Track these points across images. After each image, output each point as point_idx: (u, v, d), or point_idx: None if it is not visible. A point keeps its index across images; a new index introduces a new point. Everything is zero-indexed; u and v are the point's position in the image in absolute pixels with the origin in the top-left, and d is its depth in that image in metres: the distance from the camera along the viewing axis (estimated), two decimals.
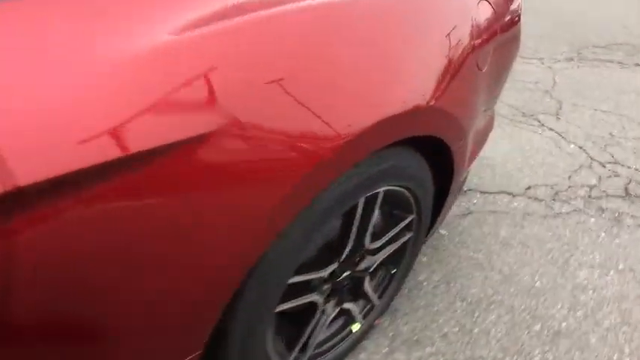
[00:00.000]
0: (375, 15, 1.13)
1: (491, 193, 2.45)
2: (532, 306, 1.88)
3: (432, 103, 1.21)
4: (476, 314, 1.82)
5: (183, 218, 0.82)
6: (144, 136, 0.73)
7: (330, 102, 0.98)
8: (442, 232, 2.16)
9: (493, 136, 1.96)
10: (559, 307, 1.89)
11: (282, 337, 1.35)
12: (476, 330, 1.76)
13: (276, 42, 0.92)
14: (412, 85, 1.19)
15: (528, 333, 1.77)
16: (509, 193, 2.47)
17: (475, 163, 1.84)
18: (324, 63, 0.99)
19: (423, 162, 1.36)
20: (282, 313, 1.34)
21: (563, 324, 1.82)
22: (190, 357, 1.04)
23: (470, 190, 2.44)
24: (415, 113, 1.17)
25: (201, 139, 0.79)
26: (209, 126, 0.80)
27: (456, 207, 2.30)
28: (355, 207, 1.23)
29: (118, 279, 0.79)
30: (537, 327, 1.80)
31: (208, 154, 0.81)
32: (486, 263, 2.03)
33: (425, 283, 1.92)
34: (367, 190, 1.21)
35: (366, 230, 1.33)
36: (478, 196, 2.42)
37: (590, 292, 1.97)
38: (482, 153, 1.83)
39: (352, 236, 1.28)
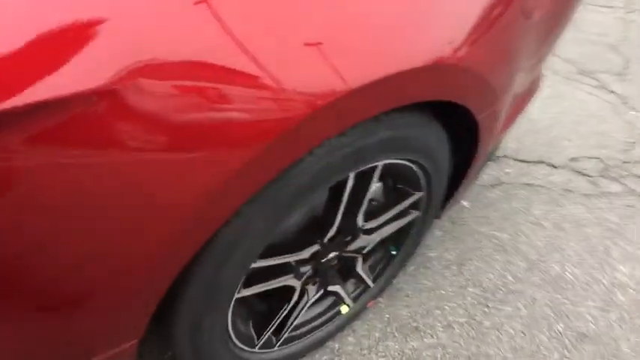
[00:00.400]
0: None
1: (528, 162, 2.14)
2: (557, 301, 1.63)
3: (457, 61, 0.92)
4: (489, 304, 1.59)
5: (110, 179, 0.62)
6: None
7: (307, 49, 0.72)
8: (464, 203, 1.90)
9: (540, 94, 1.63)
10: (590, 305, 1.63)
11: (252, 319, 1.17)
12: (486, 323, 1.54)
13: None
14: (433, 34, 0.90)
15: (548, 332, 1.54)
16: (549, 164, 2.15)
17: (512, 127, 1.55)
18: None
19: (438, 131, 1.09)
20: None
21: (592, 326, 1.57)
22: (129, 343, 0.87)
23: (504, 156, 2.13)
24: (433, 72, 0.89)
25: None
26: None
27: (484, 174, 2.01)
28: (344, 182, 0.99)
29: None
30: (560, 326, 1.56)
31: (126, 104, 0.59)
32: (510, 245, 1.77)
33: (435, 262, 1.69)
34: (359, 165, 0.96)
35: (358, 208, 1.09)
36: (512, 164, 2.12)
37: (631, 291, 1.69)
38: (525, 113, 1.53)
39: (339, 215, 1.05)
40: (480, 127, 1.15)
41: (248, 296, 1.18)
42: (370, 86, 0.78)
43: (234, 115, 0.68)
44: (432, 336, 1.48)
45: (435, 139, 1.09)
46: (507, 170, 2.08)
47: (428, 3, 0.89)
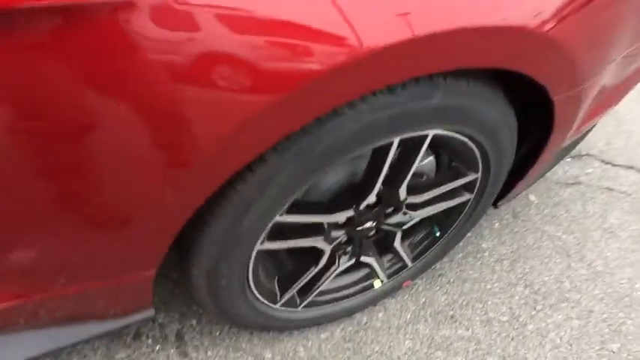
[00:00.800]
0: None
1: (615, 165, 1.93)
2: (617, 319, 1.47)
3: (539, 29, 0.81)
4: (537, 307, 1.46)
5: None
6: None
7: None
8: (531, 198, 1.75)
9: None
10: None
11: (278, 275, 1.15)
12: (531, 326, 1.42)
13: None
14: None
15: (600, 350, 1.40)
16: (639, 170, 1.92)
17: (597, 122, 1.38)
18: None
19: (504, 108, 0.98)
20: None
21: None
22: (145, 272, 0.88)
23: (587, 155, 1.93)
24: (512, 36, 0.79)
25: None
26: None
27: (560, 170, 1.84)
28: (387, 147, 0.92)
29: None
30: (615, 346, 1.41)
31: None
32: (575, 250, 1.62)
33: (486, 254, 1.58)
34: (405, 130, 0.88)
35: (401, 179, 1.02)
36: (596, 165, 1.91)
37: None
38: (621, 110, 1.36)
39: (378, 183, 0.98)
40: (555, 110, 1.03)
41: (276, 252, 1.17)
42: (431, 38, 0.71)
43: (265, 52, 0.63)
44: (467, 328, 1.40)
45: (499, 116, 0.98)
46: (588, 170, 1.89)
47: None
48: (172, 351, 1.24)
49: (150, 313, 1.03)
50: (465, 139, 1.00)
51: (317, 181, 1.05)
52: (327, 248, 1.09)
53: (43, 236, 0.72)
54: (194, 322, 1.30)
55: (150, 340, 1.24)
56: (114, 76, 0.58)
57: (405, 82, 0.81)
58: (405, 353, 1.33)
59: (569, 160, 1.90)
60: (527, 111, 1.10)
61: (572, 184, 1.83)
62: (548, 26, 0.81)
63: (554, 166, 1.49)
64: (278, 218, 0.90)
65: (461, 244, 1.57)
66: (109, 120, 0.61)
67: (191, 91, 0.62)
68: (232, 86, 0.63)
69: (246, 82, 0.63)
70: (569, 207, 1.75)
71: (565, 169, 1.86)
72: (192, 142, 0.66)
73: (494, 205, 1.38)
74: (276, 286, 1.14)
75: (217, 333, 1.28)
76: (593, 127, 1.55)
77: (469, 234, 1.61)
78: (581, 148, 1.94)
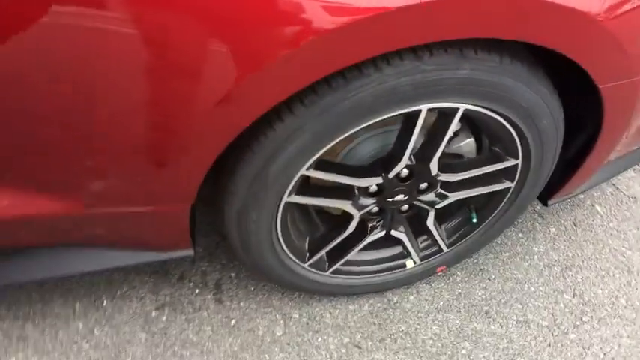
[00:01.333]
0: None
1: None
2: None
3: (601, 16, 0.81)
4: (584, 319, 1.39)
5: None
6: None
7: None
8: (597, 208, 1.65)
9: None
10: None
11: (310, 237, 1.22)
12: (572, 336, 1.35)
13: None
14: None
15: None
16: None
17: None
18: None
19: (544, 90, 0.97)
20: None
21: None
22: (182, 205, 0.99)
23: None
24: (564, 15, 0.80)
25: None
26: None
27: (638, 185, 1.72)
28: (416, 116, 0.95)
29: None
30: None
31: None
32: (639, 268, 1.50)
33: (536, 257, 1.52)
34: (432, 99, 0.91)
35: (432, 153, 1.04)
36: None
37: None
38: None
39: (407, 152, 1.01)
40: (604, 99, 0.99)
41: (310, 213, 1.23)
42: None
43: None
44: (501, 325, 1.36)
45: (537, 99, 0.97)
46: None
47: None
48: (209, 296, 1.35)
49: (188, 252, 1.14)
50: (502, 120, 1.00)
51: (355, 147, 1.11)
52: (357, 214, 1.13)
53: (95, 155, 0.85)
54: (233, 274, 1.40)
55: (191, 284, 1.36)
56: None
57: (433, 49, 0.84)
58: (431, 338, 1.33)
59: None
60: (580, 103, 1.06)
61: None
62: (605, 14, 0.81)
63: (621, 171, 1.40)
64: (305, 172, 0.96)
65: (507, 242, 1.53)
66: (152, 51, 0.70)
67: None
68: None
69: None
70: None
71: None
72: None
73: (545, 203, 1.34)
74: (306, 246, 1.20)
75: (252, 288, 1.37)
76: None
77: (520, 234, 1.57)
78: None
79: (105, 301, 1.32)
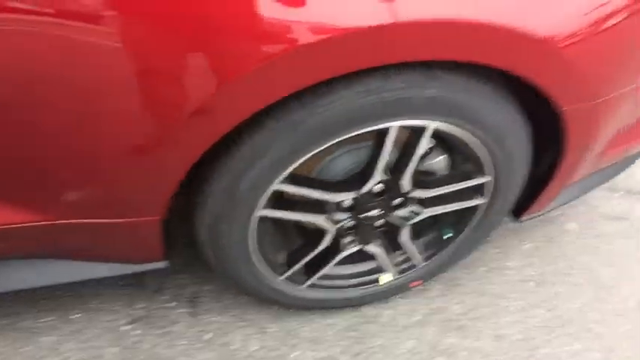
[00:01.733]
0: None
1: None
2: None
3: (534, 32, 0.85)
4: (555, 332, 1.41)
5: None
6: None
7: None
8: (571, 226, 1.69)
9: None
10: None
11: (287, 250, 1.23)
12: (544, 350, 1.37)
13: None
14: None
15: None
16: None
17: None
18: None
19: (511, 111, 1.00)
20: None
21: None
22: (153, 218, 1.00)
23: None
24: (496, 35, 0.83)
25: None
26: None
27: (609, 204, 1.76)
28: (387, 133, 0.97)
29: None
30: None
31: None
32: (611, 284, 1.53)
33: (511, 272, 1.54)
34: (399, 116, 0.93)
35: (403, 169, 1.06)
36: None
37: None
38: None
39: (377, 169, 1.03)
40: (566, 121, 1.03)
41: (286, 226, 1.25)
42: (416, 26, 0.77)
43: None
44: (476, 339, 1.38)
45: (504, 119, 1.00)
46: None
47: None
48: (185, 310, 1.35)
49: (162, 265, 1.15)
50: (472, 138, 1.03)
51: (330, 163, 1.13)
52: (332, 229, 1.15)
53: (63, 166, 0.85)
54: (210, 287, 1.40)
55: (168, 297, 1.37)
56: None
57: (401, 68, 0.87)
58: (408, 352, 1.34)
59: (621, 194, 1.81)
60: (548, 123, 1.10)
61: (621, 218, 1.74)
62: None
63: (590, 189, 1.44)
64: (277, 186, 0.98)
65: (483, 257, 1.56)
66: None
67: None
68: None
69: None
70: (612, 242, 1.66)
71: (614, 202, 1.78)
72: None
73: (518, 218, 1.37)
74: (284, 260, 1.21)
75: (229, 302, 1.38)
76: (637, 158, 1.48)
77: (496, 250, 1.60)
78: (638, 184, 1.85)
79: (76, 315, 1.31)
